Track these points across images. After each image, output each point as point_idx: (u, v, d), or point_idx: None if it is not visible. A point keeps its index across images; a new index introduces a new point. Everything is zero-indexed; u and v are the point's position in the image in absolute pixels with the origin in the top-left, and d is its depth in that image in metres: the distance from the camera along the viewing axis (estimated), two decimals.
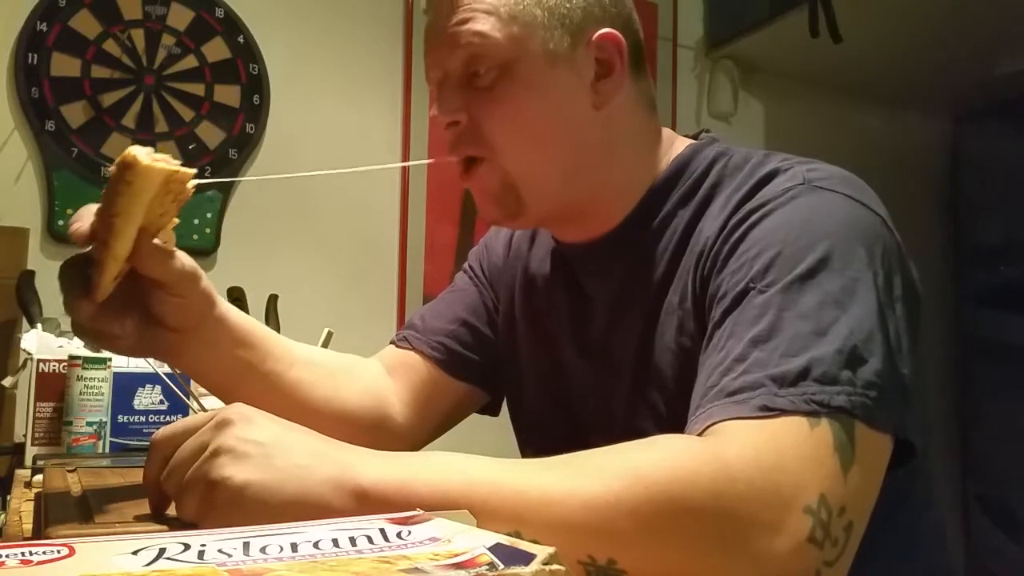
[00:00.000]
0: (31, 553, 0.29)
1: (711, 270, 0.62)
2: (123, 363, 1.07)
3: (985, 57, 2.31)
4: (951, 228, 2.73)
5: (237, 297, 1.57)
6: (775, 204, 0.60)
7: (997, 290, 2.56)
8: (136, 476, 0.56)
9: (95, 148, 1.67)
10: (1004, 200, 2.54)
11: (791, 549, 0.45)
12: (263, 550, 0.30)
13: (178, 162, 0.54)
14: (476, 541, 0.31)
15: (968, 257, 2.66)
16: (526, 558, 0.28)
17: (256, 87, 1.83)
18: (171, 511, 0.51)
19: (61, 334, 1.17)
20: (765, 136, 2.48)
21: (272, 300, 1.64)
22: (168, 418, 1.08)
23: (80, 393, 1.02)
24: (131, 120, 1.71)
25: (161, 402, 1.09)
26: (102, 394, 1.03)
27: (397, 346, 0.84)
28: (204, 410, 1.01)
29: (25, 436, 1.06)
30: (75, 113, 1.66)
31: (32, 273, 1.49)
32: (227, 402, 0.70)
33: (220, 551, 0.30)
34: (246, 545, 0.31)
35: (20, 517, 0.70)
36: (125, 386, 1.07)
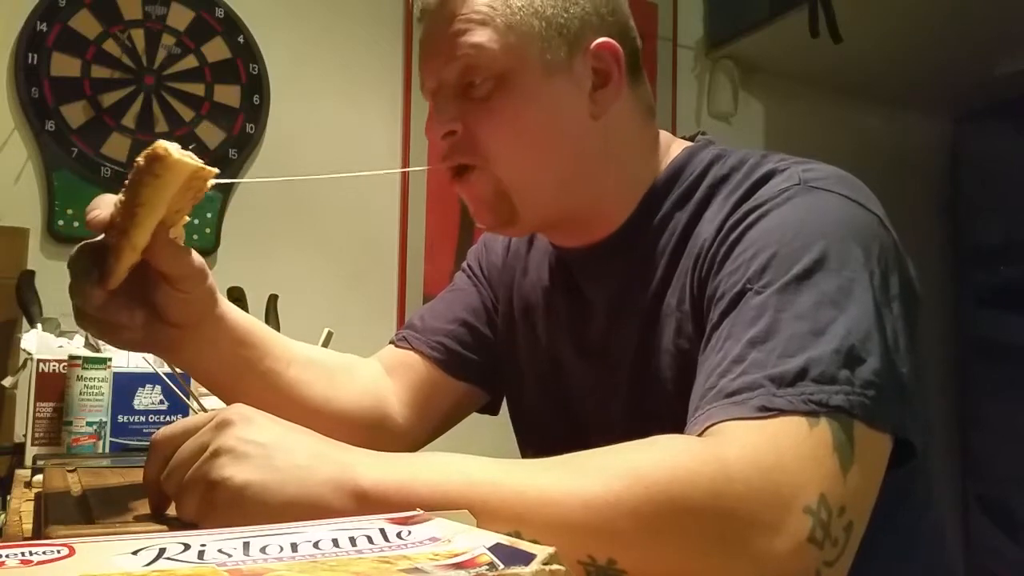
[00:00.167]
0: (31, 553, 0.29)
1: (708, 271, 0.62)
2: (123, 363, 1.07)
3: (985, 57, 2.31)
4: (951, 228, 2.73)
5: (237, 297, 1.57)
6: (771, 205, 0.60)
7: (997, 290, 2.56)
8: (136, 476, 0.56)
9: (95, 148, 1.67)
10: (1004, 200, 2.54)
11: (791, 549, 0.45)
12: (263, 550, 0.30)
13: (199, 159, 0.55)
14: (476, 541, 0.31)
15: (968, 257, 2.66)
16: (526, 558, 0.28)
17: (256, 87, 1.83)
18: (171, 511, 0.51)
19: (61, 334, 1.17)
20: (765, 136, 2.48)
21: (272, 300, 1.64)
22: (168, 418, 1.08)
23: (80, 393, 1.02)
24: (131, 120, 1.71)
25: (161, 402, 1.09)
26: (102, 394, 1.03)
27: (396, 346, 0.84)
28: (204, 410, 1.01)
29: (25, 436, 1.06)
30: (75, 113, 1.66)
31: (32, 273, 1.49)
32: (226, 400, 0.70)
33: (220, 551, 0.30)
34: (246, 545, 0.31)
35: (20, 517, 0.70)
36: (125, 386, 1.07)
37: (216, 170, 0.56)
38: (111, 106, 1.69)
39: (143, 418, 1.07)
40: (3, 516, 0.85)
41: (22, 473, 0.96)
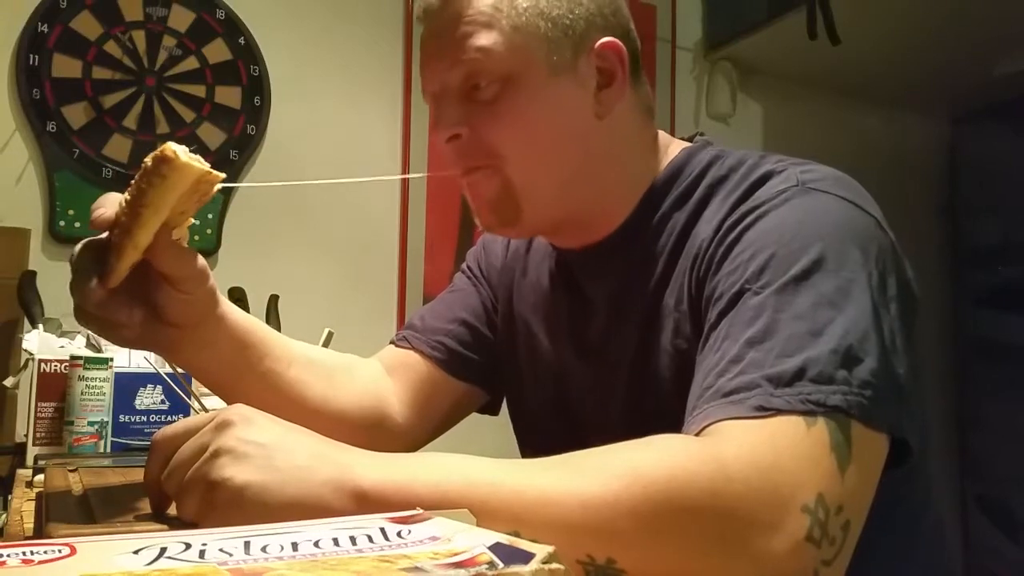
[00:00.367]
0: (32, 552, 0.29)
1: (706, 272, 0.62)
2: (124, 363, 1.07)
3: (983, 58, 2.31)
4: (949, 228, 2.73)
5: (238, 297, 1.57)
6: (769, 206, 0.60)
7: (995, 290, 2.56)
8: (137, 476, 0.56)
9: (96, 149, 1.67)
10: (1002, 201, 2.54)
11: (789, 548, 0.46)
12: (264, 549, 0.31)
13: (206, 163, 0.55)
14: (476, 540, 0.31)
15: (966, 258, 2.66)
16: (526, 557, 0.28)
17: (257, 88, 1.83)
18: (172, 511, 0.51)
19: (63, 334, 1.18)
20: (763, 137, 2.48)
21: (273, 300, 1.64)
22: (169, 418, 1.08)
23: (81, 393, 1.02)
24: (132, 121, 1.71)
25: (162, 402, 1.09)
26: (103, 394, 1.03)
27: (397, 346, 0.84)
28: (205, 410, 1.01)
29: (26, 436, 1.06)
30: (76, 114, 1.66)
31: (33, 273, 1.49)
32: (226, 400, 0.71)
33: (221, 550, 0.30)
34: (247, 544, 0.31)
35: (21, 517, 0.70)
36: (126, 386, 1.07)
37: (223, 175, 0.56)
38: (112, 107, 1.69)
39: (144, 418, 1.07)
40: (4, 516, 0.85)
41: (23, 473, 0.96)
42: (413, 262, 1.98)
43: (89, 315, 0.59)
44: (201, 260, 0.62)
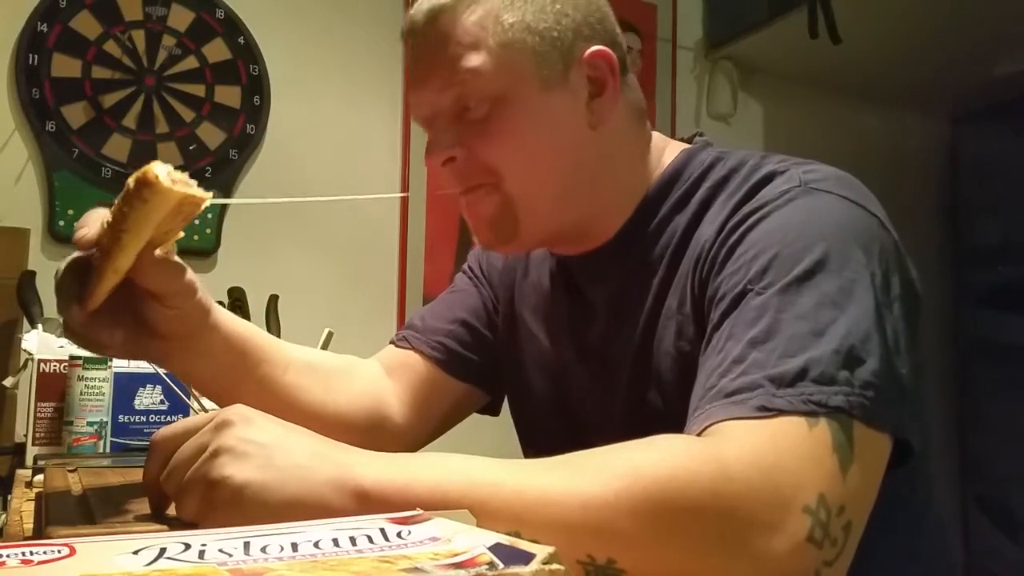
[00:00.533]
0: (32, 553, 0.29)
1: (709, 273, 0.62)
2: (124, 363, 1.07)
3: (984, 58, 2.31)
4: (950, 228, 2.74)
5: (238, 298, 1.57)
6: (772, 207, 0.60)
7: (996, 290, 2.56)
8: (137, 476, 0.56)
9: (96, 149, 1.67)
10: (1003, 201, 2.55)
11: (790, 549, 0.46)
12: (264, 550, 0.31)
13: (195, 183, 0.53)
14: (476, 540, 0.31)
15: (967, 258, 2.66)
16: (526, 558, 0.28)
17: (256, 88, 1.83)
18: (171, 511, 0.51)
19: (62, 334, 1.17)
20: (764, 137, 2.48)
21: (272, 300, 1.64)
22: (169, 418, 1.08)
23: (81, 393, 1.02)
24: (132, 121, 1.71)
25: (162, 402, 1.09)
26: (103, 394, 1.03)
27: (396, 346, 0.84)
28: (205, 410, 1.01)
29: (26, 436, 1.06)
30: (76, 114, 1.66)
31: (33, 273, 1.49)
32: (223, 406, 0.70)
33: (221, 551, 0.30)
34: (247, 545, 0.31)
35: (21, 517, 0.70)
36: (126, 386, 1.07)
37: (208, 195, 0.54)
38: (112, 107, 1.69)
39: (144, 418, 1.07)
40: (4, 516, 0.85)
41: (23, 473, 0.96)
42: (413, 262, 1.98)
43: (73, 333, 0.60)
44: (189, 274, 0.62)
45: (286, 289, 1.69)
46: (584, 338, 0.74)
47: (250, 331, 0.71)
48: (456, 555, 0.29)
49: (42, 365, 1.07)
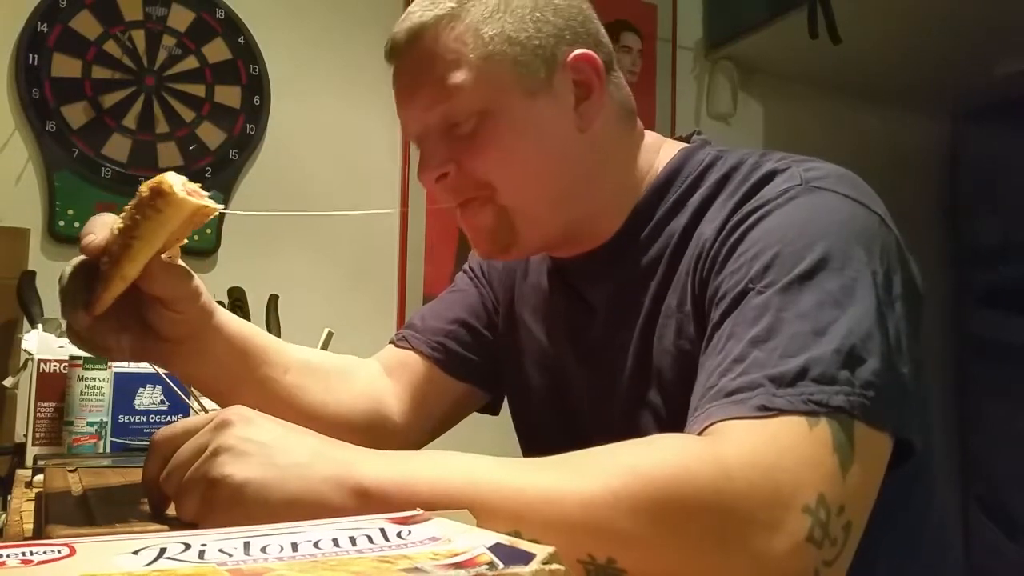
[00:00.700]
0: (32, 553, 0.29)
1: (710, 272, 0.62)
2: (124, 363, 1.07)
3: (984, 58, 2.31)
4: (949, 228, 2.73)
5: (238, 298, 1.57)
6: (773, 205, 0.60)
7: (996, 290, 2.56)
8: (137, 476, 0.56)
9: (96, 149, 1.67)
10: (1003, 200, 2.54)
11: (790, 548, 0.46)
12: (263, 550, 0.31)
13: (206, 193, 0.54)
14: (476, 541, 0.31)
15: (967, 257, 2.66)
16: (526, 558, 0.28)
17: (256, 88, 1.83)
18: (171, 511, 0.51)
19: (62, 334, 1.17)
20: (764, 137, 2.48)
21: (272, 300, 1.64)
22: (169, 418, 1.08)
23: (81, 393, 1.02)
24: (132, 121, 1.71)
25: (162, 402, 1.09)
26: (103, 394, 1.03)
27: (396, 346, 0.84)
28: (205, 410, 1.01)
29: (26, 436, 1.07)
30: (76, 114, 1.66)
31: (33, 273, 1.49)
32: (224, 407, 0.71)
33: (221, 551, 0.30)
34: (246, 545, 0.31)
35: (21, 517, 0.70)
36: (126, 386, 1.07)
37: (220, 207, 0.55)
38: (112, 107, 1.69)
39: (144, 418, 1.07)
40: (4, 516, 0.85)
41: (23, 473, 0.96)
42: (413, 262, 1.98)
43: (78, 337, 0.60)
44: (193, 278, 0.62)
45: (286, 289, 1.69)
46: (583, 339, 0.74)
47: (251, 332, 0.71)
48: (456, 555, 0.29)
49: (42, 365, 1.07)
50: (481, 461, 0.49)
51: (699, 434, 0.51)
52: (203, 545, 0.31)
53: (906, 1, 1.99)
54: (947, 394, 2.63)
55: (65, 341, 1.13)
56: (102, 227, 0.56)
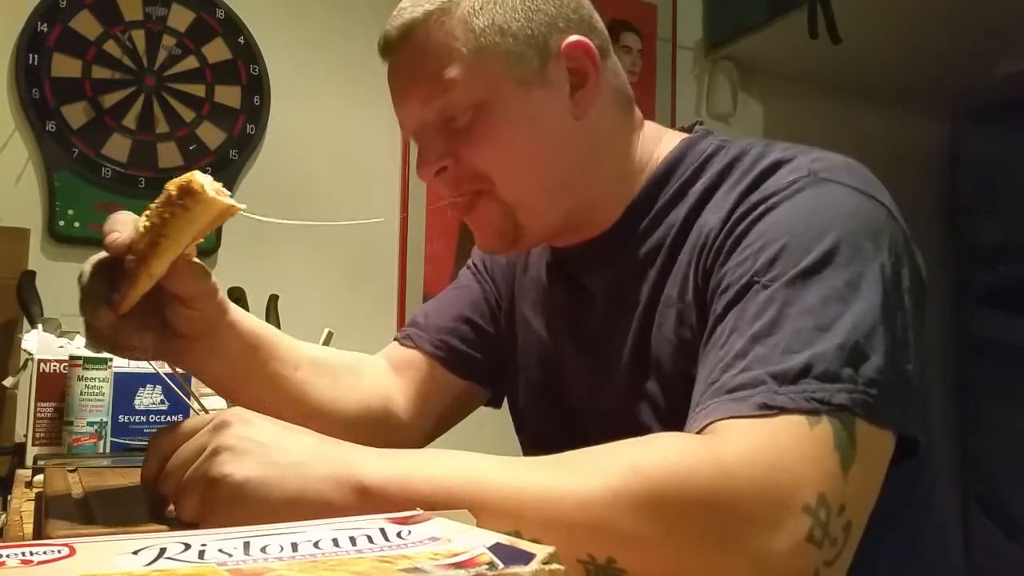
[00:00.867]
0: (32, 553, 0.29)
1: (714, 262, 0.61)
2: (124, 363, 1.07)
3: (984, 58, 2.31)
4: (949, 228, 2.73)
5: (238, 297, 1.57)
6: (780, 197, 0.59)
7: (996, 290, 2.56)
8: (137, 476, 0.56)
9: (96, 149, 1.67)
10: (1003, 200, 2.54)
11: (789, 548, 0.46)
12: (263, 550, 0.31)
13: (228, 193, 0.54)
14: (476, 540, 0.31)
15: (967, 257, 2.66)
16: (526, 558, 0.28)
17: (256, 88, 1.83)
18: (171, 511, 0.51)
19: (62, 334, 1.17)
20: (764, 136, 2.47)
21: (272, 300, 1.64)
22: (168, 418, 1.08)
23: (81, 393, 1.02)
24: (132, 121, 1.71)
25: (162, 402, 1.09)
26: (103, 394, 1.03)
27: (400, 343, 0.84)
28: (205, 410, 1.01)
29: (26, 436, 1.06)
30: (76, 114, 1.66)
31: (33, 273, 1.49)
32: (233, 403, 0.71)
33: (220, 551, 0.30)
34: (246, 545, 0.31)
35: (21, 517, 0.70)
36: (126, 386, 1.07)
37: (244, 205, 0.55)
38: (112, 107, 1.69)
39: (144, 418, 1.07)
40: (4, 516, 0.85)
41: (23, 473, 0.96)
42: (413, 262, 1.98)
43: (100, 336, 0.59)
44: (210, 276, 0.63)
45: (286, 289, 1.68)
46: (581, 328, 0.74)
47: (263, 329, 0.72)
48: (456, 555, 0.29)
49: (42, 365, 1.07)
50: (482, 460, 0.49)
51: (700, 431, 0.51)
52: (203, 545, 0.31)
53: (906, 1, 1.99)
54: (947, 394, 2.63)
55: (65, 341, 1.13)
56: (125, 225, 0.56)
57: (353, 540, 0.32)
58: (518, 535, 0.45)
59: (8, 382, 1.27)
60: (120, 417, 1.06)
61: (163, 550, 0.30)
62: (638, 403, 0.67)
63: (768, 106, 2.51)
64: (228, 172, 1.77)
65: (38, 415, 1.05)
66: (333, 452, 0.49)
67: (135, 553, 0.30)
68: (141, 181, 1.70)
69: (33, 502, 0.76)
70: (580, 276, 0.75)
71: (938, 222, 2.74)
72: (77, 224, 1.63)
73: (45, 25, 1.64)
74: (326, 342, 1.16)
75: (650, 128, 0.73)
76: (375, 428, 0.76)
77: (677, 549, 0.46)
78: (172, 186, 0.52)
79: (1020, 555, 2.37)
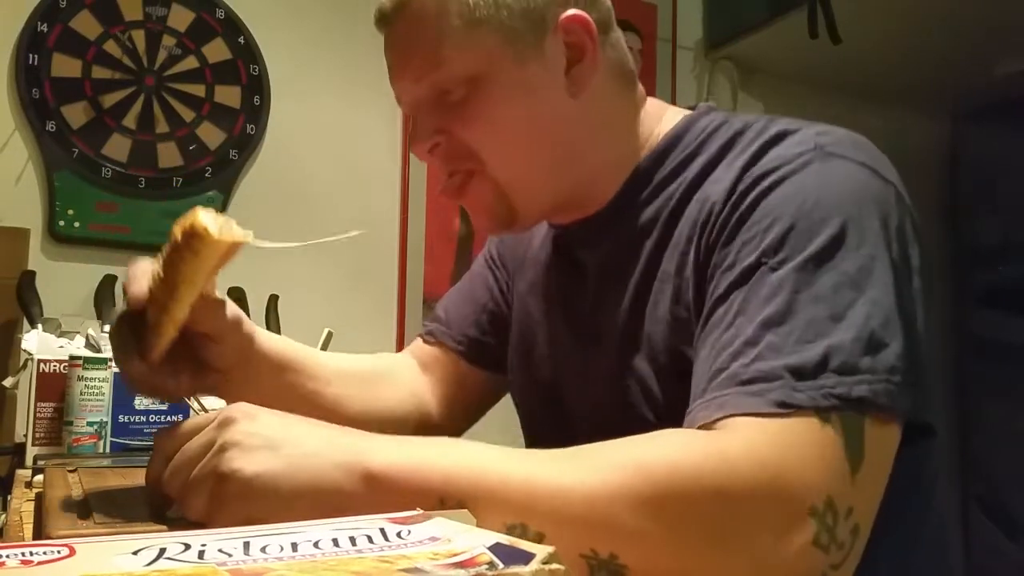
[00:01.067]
0: (31, 553, 0.29)
1: (718, 238, 0.59)
2: None
3: (984, 58, 2.31)
4: (949, 228, 2.73)
5: (238, 297, 1.57)
6: (787, 170, 0.57)
7: (996, 290, 2.56)
8: (137, 476, 0.56)
9: (96, 149, 1.67)
10: (1003, 200, 2.54)
11: (795, 552, 0.45)
12: (263, 550, 0.31)
13: (234, 221, 0.53)
14: (476, 540, 0.31)
15: (966, 257, 2.66)
16: (525, 557, 0.28)
17: (256, 88, 1.83)
18: (172, 511, 0.51)
19: (62, 334, 1.17)
20: None
21: (272, 300, 1.64)
22: (168, 418, 1.08)
23: (81, 393, 1.02)
24: (132, 121, 1.71)
25: (162, 402, 1.09)
26: (103, 394, 1.03)
27: (424, 341, 0.85)
28: (205, 410, 1.01)
29: (26, 436, 1.06)
30: (76, 114, 1.66)
31: (33, 273, 1.49)
32: None
33: (220, 551, 0.30)
34: (246, 545, 0.31)
35: (21, 517, 0.70)
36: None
37: (249, 234, 0.54)
38: (112, 107, 1.69)
39: (144, 418, 1.07)
40: (4, 516, 0.85)
41: (23, 473, 0.96)
42: (413, 262, 1.98)
43: (139, 385, 0.60)
44: (233, 308, 0.63)
45: (286, 289, 1.68)
46: (574, 304, 0.73)
47: (290, 348, 0.73)
48: (456, 555, 0.29)
49: (42, 365, 1.07)
50: (490, 451, 0.49)
51: (712, 424, 0.50)
52: (203, 545, 0.31)
53: (906, 1, 1.99)
54: (947, 394, 2.63)
55: (65, 341, 1.13)
56: (142, 276, 0.56)
57: (353, 540, 0.32)
58: (523, 527, 0.45)
59: (8, 382, 1.27)
60: (120, 417, 1.06)
61: (163, 550, 0.30)
62: (628, 382, 0.66)
63: (768, 106, 2.51)
64: (228, 172, 1.77)
65: (38, 415, 1.05)
66: (342, 440, 0.49)
67: (135, 553, 0.30)
68: (141, 181, 1.70)
69: (33, 502, 0.76)
70: (576, 253, 0.73)
71: (938, 222, 2.74)
72: (77, 224, 1.63)
73: (45, 25, 1.64)
74: (326, 342, 1.16)
75: (652, 104, 0.71)
76: (415, 431, 0.77)
77: (678, 548, 0.46)
78: (177, 230, 0.52)
79: (1020, 555, 2.37)
